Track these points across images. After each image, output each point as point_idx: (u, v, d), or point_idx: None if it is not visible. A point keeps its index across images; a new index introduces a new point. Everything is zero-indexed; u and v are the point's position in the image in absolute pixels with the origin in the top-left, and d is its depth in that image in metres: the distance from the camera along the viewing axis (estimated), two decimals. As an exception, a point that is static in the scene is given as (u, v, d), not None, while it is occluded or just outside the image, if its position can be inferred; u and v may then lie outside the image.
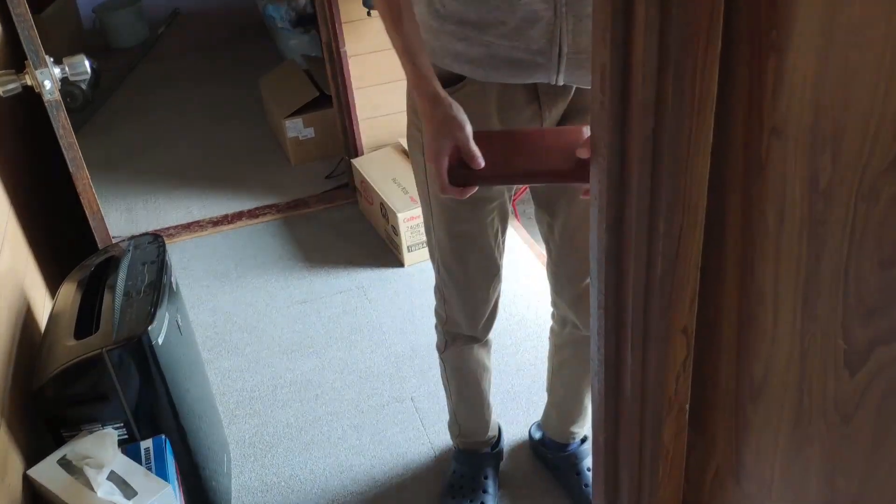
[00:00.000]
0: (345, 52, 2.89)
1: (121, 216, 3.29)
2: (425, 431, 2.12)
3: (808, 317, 0.78)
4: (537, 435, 2.00)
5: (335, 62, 2.95)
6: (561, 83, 1.33)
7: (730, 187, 0.83)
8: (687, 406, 1.02)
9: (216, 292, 2.77)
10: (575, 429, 1.89)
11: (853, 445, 0.76)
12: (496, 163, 1.26)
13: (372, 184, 2.89)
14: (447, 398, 1.86)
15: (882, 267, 0.65)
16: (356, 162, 3.07)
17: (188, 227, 3.17)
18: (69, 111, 1.82)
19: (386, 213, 2.81)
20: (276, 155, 3.63)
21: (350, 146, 3.16)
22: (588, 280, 1.55)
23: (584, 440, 1.93)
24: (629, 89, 0.81)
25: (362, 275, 2.78)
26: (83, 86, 4.10)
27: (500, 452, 1.98)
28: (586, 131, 1.26)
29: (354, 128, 3.09)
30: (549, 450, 1.95)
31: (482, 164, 1.24)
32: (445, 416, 1.96)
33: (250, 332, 2.56)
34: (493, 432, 1.94)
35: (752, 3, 0.73)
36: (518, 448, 2.04)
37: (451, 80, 1.34)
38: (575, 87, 1.37)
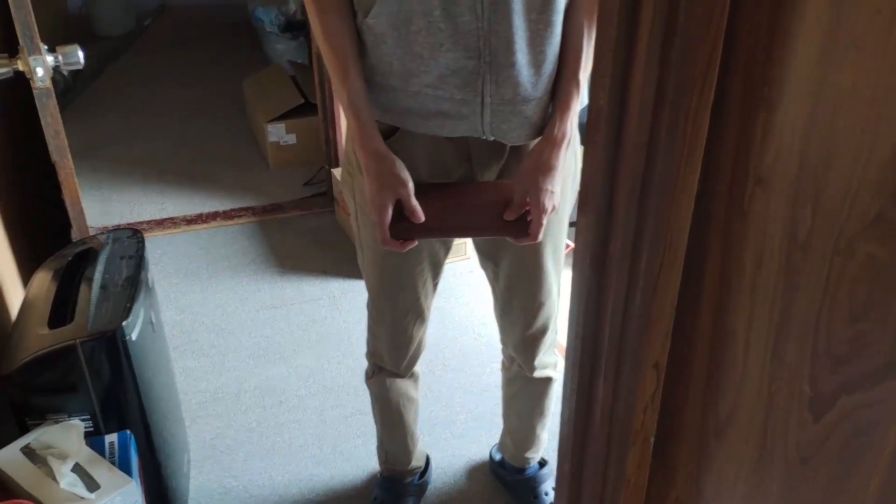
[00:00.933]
0: (334, 62, 2.91)
1: (95, 206, 3.26)
2: (386, 445, 2.13)
3: (778, 361, 0.82)
4: (497, 457, 2.03)
5: (323, 72, 2.97)
6: (490, 137, 1.33)
7: (711, 230, 0.87)
8: (652, 438, 1.05)
9: (186, 291, 2.76)
10: (530, 454, 1.91)
11: (811, 486, 0.79)
12: (435, 217, 1.32)
13: (350, 195, 2.90)
14: (375, 424, 1.86)
15: (853, 320, 0.69)
16: (337, 172, 3.09)
17: (161, 224, 3.16)
18: (50, 98, 1.81)
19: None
20: (254, 158, 3.64)
21: (332, 155, 3.17)
22: (532, 328, 1.59)
23: (542, 464, 1.96)
24: (624, 130, 0.85)
25: (334, 284, 2.79)
26: (65, 71, 4.08)
27: (425, 484, 1.98)
28: (516, 189, 1.31)
29: (338, 138, 3.11)
30: (507, 472, 1.98)
31: (423, 219, 1.30)
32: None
33: (217, 334, 2.55)
34: (417, 462, 1.93)
35: (748, 58, 0.77)
36: (478, 468, 2.06)
37: (384, 133, 1.33)
38: (509, 146, 1.38)
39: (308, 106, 3.43)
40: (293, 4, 4.19)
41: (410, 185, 1.29)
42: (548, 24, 1.23)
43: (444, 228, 1.35)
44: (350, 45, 1.28)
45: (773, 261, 0.79)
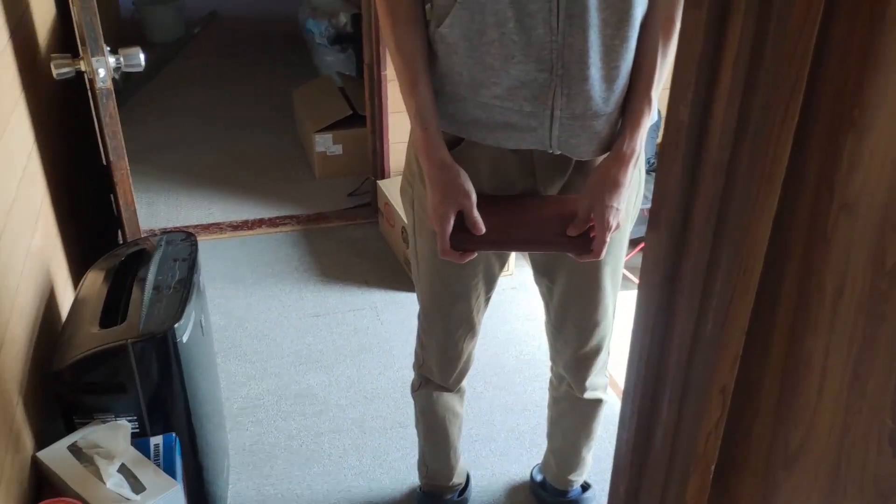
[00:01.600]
0: (385, 75, 2.92)
1: (142, 209, 3.29)
2: (425, 459, 2.11)
3: (857, 392, 0.79)
4: (538, 478, 2.00)
5: (374, 84, 2.98)
6: (557, 151, 1.32)
7: (789, 254, 0.85)
8: (713, 465, 1.03)
9: (230, 296, 2.77)
10: (573, 477, 1.88)
11: (890, 524, 0.76)
12: (496, 229, 1.31)
13: (395, 207, 2.91)
14: (417, 437, 1.85)
15: (947, 352, 0.66)
16: (382, 184, 3.09)
17: (207, 228, 3.18)
18: (98, 99, 1.83)
19: (406, 237, 2.82)
20: (301, 167, 3.66)
21: (378, 167, 3.18)
22: (586, 347, 1.56)
23: (585, 487, 1.93)
24: (704, 147, 0.83)
25: (376, 295, 2.79)
26: (116, 76, 4.14)
27: (465, 501, 1.96)
28: (581, 204, 1.29)
29: (385, 150, 3.11)
30: (548, 494, 1.95)
31: (483, 230, 1.29)
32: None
33: (260, 340, 2.56)
34: (458, 479, 1.92)
35: (838, 79, 0.75)
36: (519, 488, 2.04)
37: (449, 143, 1.33)
38: (574, 160, 1.36)
39: (355, 117, 3.45)
40: (343, 17, 4.22)
41: (473, 196, 1.29)
42: (623, 39, 1.22)
43: (505, 241, 1.33)
44: (421, 56, 1.28)
45: (857, 288, 0.77)
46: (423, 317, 1.60)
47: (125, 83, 4.35)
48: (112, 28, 4.79)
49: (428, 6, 1.30)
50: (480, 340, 2.48)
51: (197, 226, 3.21)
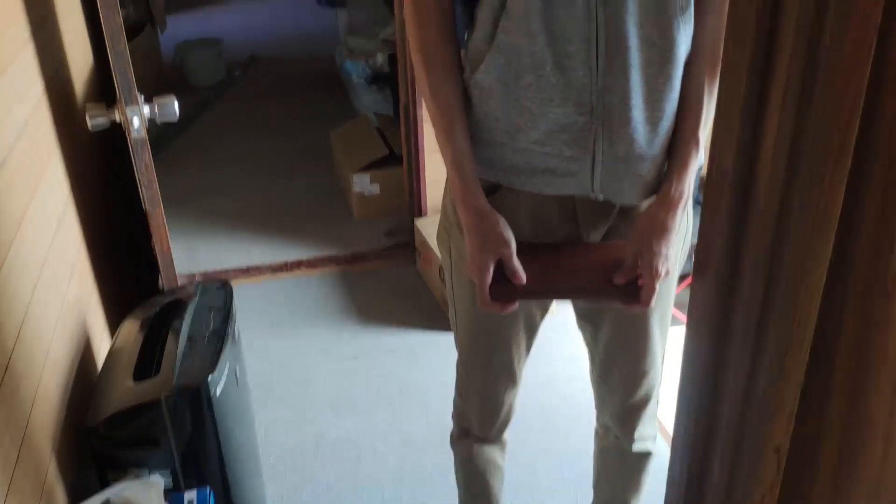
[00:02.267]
0: (421, 115, 2.91)
1: (182, 254, 3.31)
2: (467, 509, 2.05)
3: (927, 457, 0.73)
4: (584, 527, 1.93)
5: (410, 124, 2.97)
6: (600, 196, 1.26)
7: (846, 308, 0.79)
8: (769, 529, 0.96)
9: (268, 340, 2.75)
10: (622, 530, 1.81)
11: None
12: (538, 279, 1.25)
13: (432, 246, 2.88)
14: (457, 487, 1.79)
15: None
16: (419, 222, 3.07)
17: (247, 272, 3.18)
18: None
19: (444, 277, 2.78)
20: (339, 207, 3.65)
21: (415, 207, 3.16)
22: (633, 398, 1.49)
23: (633, 539, 1.85)
24: (751, 196, 0.78)
25: (413, 337, 2.75)
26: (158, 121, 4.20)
27: None
28: (628, 251, 1.24)
29: (422, 189, 3.09)
30: (596, 546, 1.87)
31: (524, 280, 1.23)
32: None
33: (298, 384, 2.53)
34: None
35: (893, 121, 0.69)
36: (562, 538, 1.97)
37: (486, 190, 1.28)
38: (618, 205, 1.30)
39: (392, 157, 3.44)
40: (380, 57, 4.24)
41: (513, 244, 1.23)
42: (667, 78, 1.17)
43: (548, 291, 1.27)
44: (456, 102, 1.24)
45: (924, 345, 0.71)
46: (462, 367, 1.55)
47: (167, 129, 4.41)
48: (154, 73, 4.88)
49: (463, 52, 1.27)
50: (522, 383, 2.43)
51: (237, 269, 3.21)
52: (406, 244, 3.29)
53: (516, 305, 1.27)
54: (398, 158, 3.32)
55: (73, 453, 1.53)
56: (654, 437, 1.61)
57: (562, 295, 1.32)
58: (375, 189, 3.50)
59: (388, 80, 4.09)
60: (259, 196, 3.80)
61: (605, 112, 1.18)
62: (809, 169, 0.73)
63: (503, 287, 1.23)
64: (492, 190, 1.30)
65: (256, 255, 3.30)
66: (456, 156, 1.24)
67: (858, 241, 0.76)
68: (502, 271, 1.24)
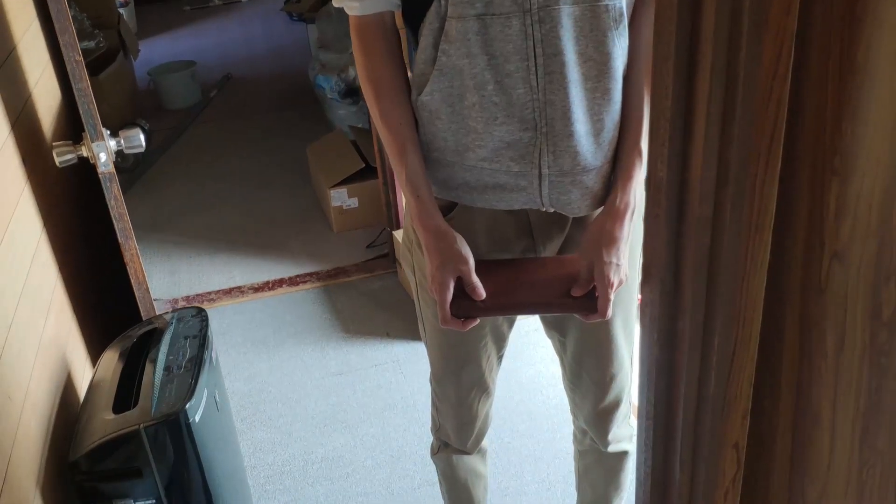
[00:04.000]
0: (392, 126, 2.93)
1: (164, 278, 3.32)
2: (457, 516, 2.07)
3: (868, 447, 0.75)
4: (572, 529, 1.95)
5: (382, 136, 2.99)
6: (550, 209, 1.29)
7: (787, 306, 0.81)
8: (734, 523, 0.98)
9: (253, 360, 2.77)
10: (607, 531, 1.82)
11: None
12: (497, 294, 1.27)
13: (413, 257, 2.89)
14: (443, 498, 1.81)
15: (952, 411, 0.62)
16: (398, 234, 3.09)
17: (229, 293, 3.19)
18: (119, 171, 1.85)
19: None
20: (318, 222, 3.67)
21: (392, 218, 3.18)
22: (604, 402, 1.52)
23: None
24: (686, 203, 0.80)
25: (398, 347, 2.77)
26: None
27: None
28: (581, 263, 1.27)
29: (398, 200, 3.11)
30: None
31: (483, 295, 1.26)
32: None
33: (284, 403, 2.54)
34: None
35: (815, 126, 0.72)
36: (552, 540, 1.99)
37: (443, 209, 1.31)
38: (571, 218, 1.33)
39: (368, 169, 3.46)
40: (352, 71, 4.25)
41: (471, 261, 1.26)
42: (606, 91, 1.20)
43: (507, 306, 1.29)
44: (406, 125, 1.27)
45: (857, 340, 0.73)
46: (435, 382, 1.58)
47: (145, 153, 4.41)
48: (129, 100, 4.88)
49: (410, 74, 1.29)
50: (505, 387, 2.45)
51: (219, 291, 3.22)
52: (386, 255, 3.31)
53: (477, 321, 1.30)
54: (374, 170, 3.34)
55: (57, 489, 1.54)
56: (631, 437, 1.63)
57: (522, 309, 1.34)
58: (354, 203, 3.52)
59: (361, 93, 4.11)
60: (239, 215, 3.81)
61: (549, 127, 1.20)
62: (738, 175, 0.75)
63: (464, 303, 1.26)
64: (448, 208, 1.33)
65: (238, 276, 3.31)
66: (410, 177, 1.26)
67: (792, 244, 0.78)
68: (463, 289, 1.27)
